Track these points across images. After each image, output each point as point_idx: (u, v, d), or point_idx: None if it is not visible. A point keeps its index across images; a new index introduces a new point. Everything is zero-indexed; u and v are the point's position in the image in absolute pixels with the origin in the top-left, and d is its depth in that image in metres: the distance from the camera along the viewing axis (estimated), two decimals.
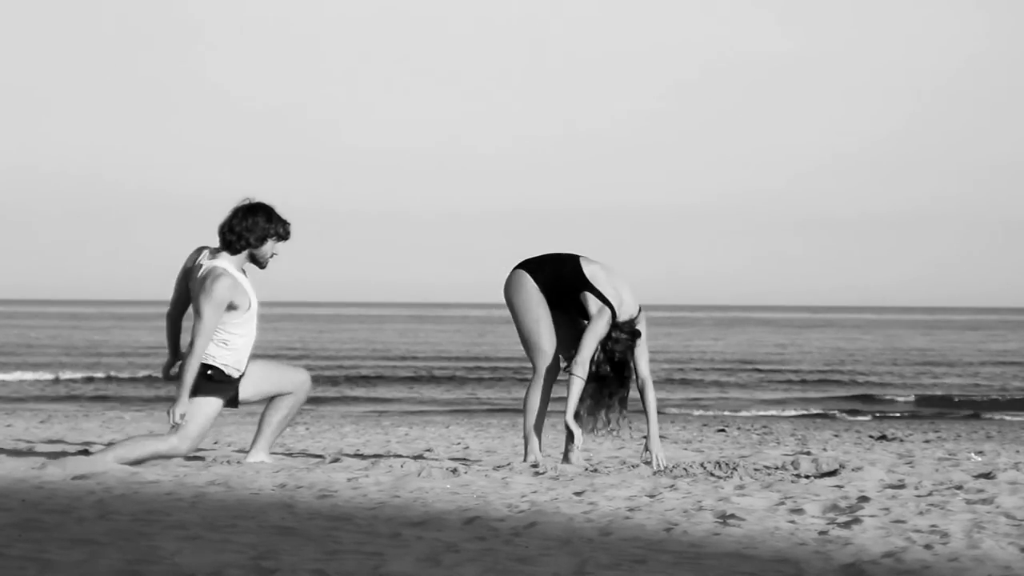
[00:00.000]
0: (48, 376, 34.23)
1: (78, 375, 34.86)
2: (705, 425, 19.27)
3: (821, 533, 6.22)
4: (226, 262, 8.55)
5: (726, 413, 25.26)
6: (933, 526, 6.42)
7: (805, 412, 25.96)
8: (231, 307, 8.52)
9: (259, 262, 8.69)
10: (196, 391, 8.55)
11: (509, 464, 9.53)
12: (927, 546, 5.92)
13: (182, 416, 8.41)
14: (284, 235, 8.69)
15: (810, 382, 34.99)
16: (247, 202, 8.63)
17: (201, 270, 8.57)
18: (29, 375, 34.32)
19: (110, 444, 8.73)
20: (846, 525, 6.43)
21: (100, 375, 34.86)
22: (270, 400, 8.88)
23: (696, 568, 5.45)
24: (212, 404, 8.60)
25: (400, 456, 10.55)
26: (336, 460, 9.67)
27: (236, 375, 8.66)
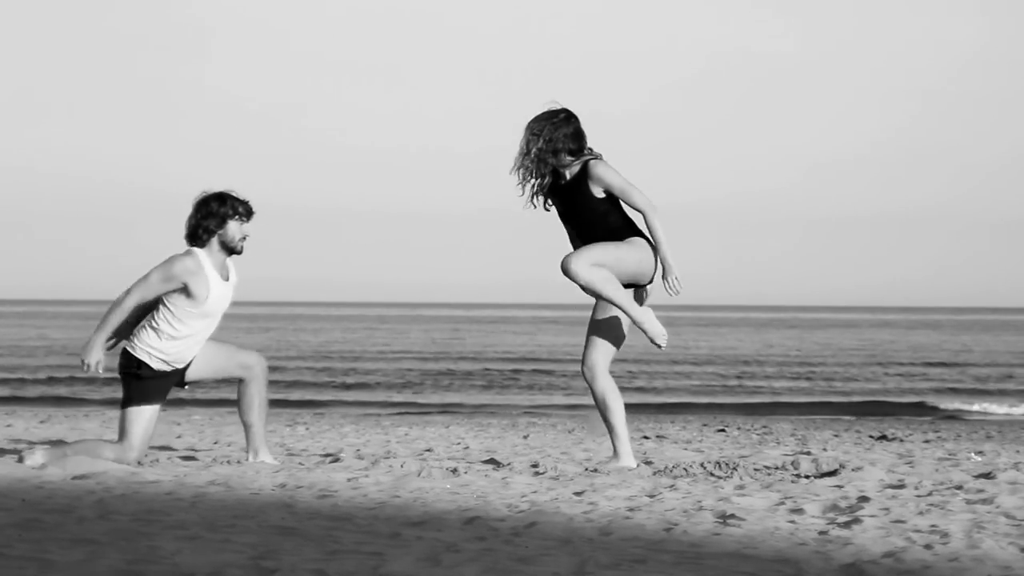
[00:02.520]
0: (48, 376, 34.24)
1: (79, 375, 34.87)
2: (705, 425, 19.26)
3: (821, 533, 6.22)
4: (201, 257, 8.59)
5: (726, 413, 25.25)
6: (933, 526, 6.42)
7: (805, 412, 25.95)
8: (186, 292, 8.51)
9: (230, 247, 8.66)
10: (130, 398, 8.60)
11: (509, 464, 9.53)
12: (927, 546, 5.92)
13: (97, 363, 8.44)
14: (244, 213, 8.65)
15: (810, 381, 34.99)
16: (201, 194, 8.67)
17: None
18: (28, 375, 34.32)
19: (58, 445, 8.75)
20: (846, 525, 6.42)
21: (98, 376, 34.85)
22: (239, 399, 8.83)
23: (696, 568, 5.45)
24: (146, 412, 8.61)
25: (400, 456, 10.55)
26: (336, 460, 9.67)
27: (172, 368, 8.64)
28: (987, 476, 8.71)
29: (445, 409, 26.04)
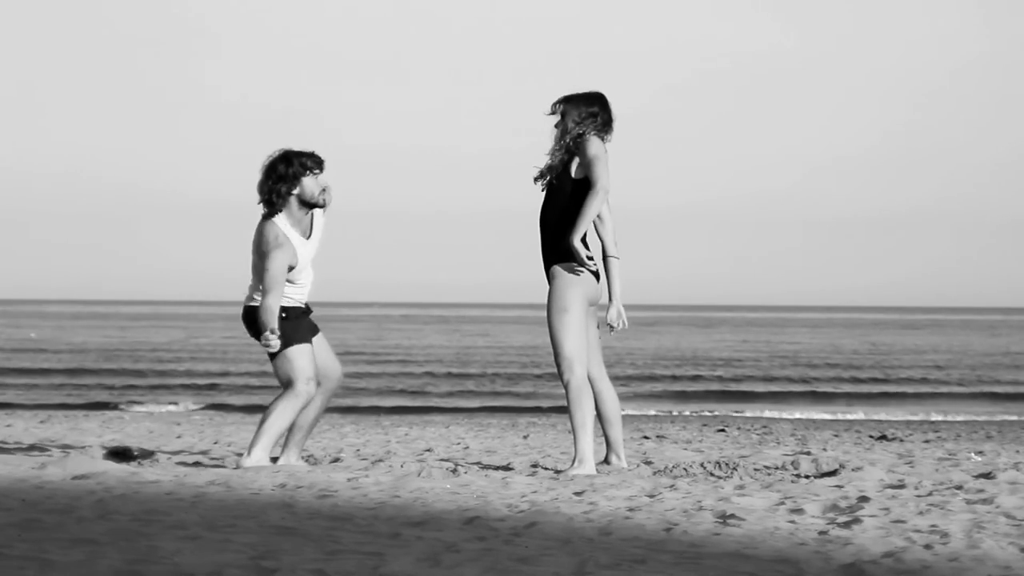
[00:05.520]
0: (49, 379, 34.25)
1: (77, 379, 34.87)
2: (705, 425, 19.28)
3: (821, 533, 6.22)
4: (280, 224, 8.59)
5: (726, 413, 25.27)
6: (933, 526, 6.42)
7: (805, 413, 25.97)
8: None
9: (313, 203, 8.64)
10: (284, 343, 8.58)
11: (509, 464, 9.54)
12: (927, 546, 5.92)
13: (274, 335, 8.47)
14: (313, 166, 8.60)
15: (808, 381, 35.00)
16: (267, 159, 8.62)
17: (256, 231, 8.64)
18: (24, 379, 34.32)
19: (251, 444, 8.69)
20: (846, 525, 6.43)
21: (94, 379, 34.87)
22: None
23: (696, 568, 5.45)
24: (304, 348, 8.67)
25: (400, 456, 10.55)
26: (336, 460, 9.68)
27: (300, 305, 8.74)
28: (987, 476, 8.71)
29: (445, 409, 26.05)
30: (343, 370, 8.98)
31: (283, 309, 8.63)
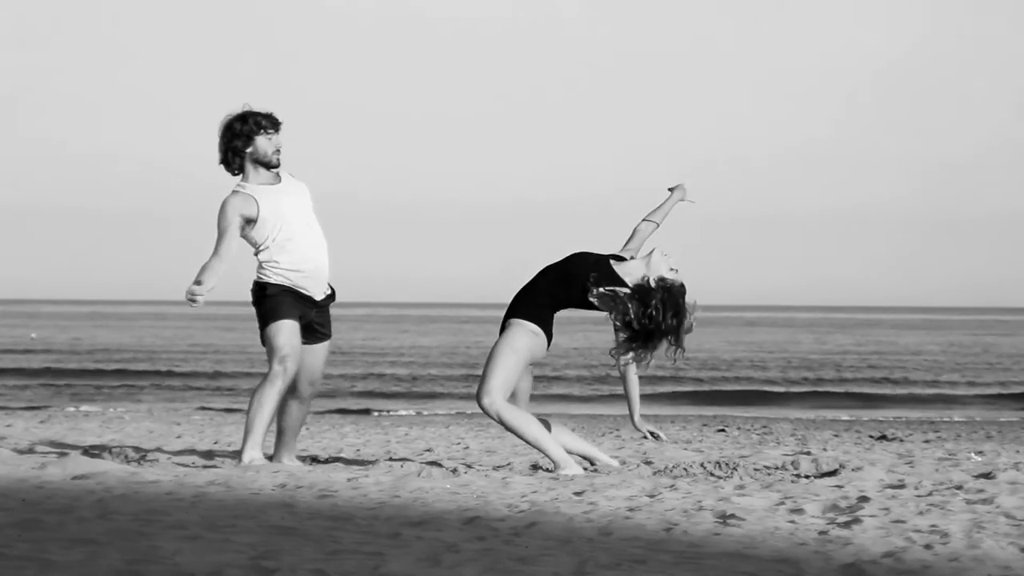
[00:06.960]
0: (49, 380, 34.27)
1: (77, 379, 34.89)
2: (705, 425, 19.26)
3: (821, 533, 6.23)
4: (248, 185, 8.55)
5: (726, 413, 25.26)
6: (933, 526, 6.42)
7: (805, 413, 25.97)
8: (248, 221, 8.47)
9: (266, 163, 8.56)
10: (265, 319, 8.50)
11: (509, 464, 9.54)
12: (927, 546, 5.92)
13: (193, 294, 8.30)
14: (268, 125, 8.54)
15: (808, 382, 34.99)
16: (224, 118, 8.58)
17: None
18: (26, 380, 34.33)
19: (243, 444, 8.59)
20: (846, 525, 6.43)
21: (93, 379, 34.88)
22: (283, 404, 8.75)
23: (696, 568, 5.45)
24: (286, 324, 8.50)
25: (400, 456, 10.55)
26: (336, 460, 9.68)
27: (296, 286, 8.56)
28: (987, 476, 8.71)
29: (445, 410, 26.05)
30: (322, 377, 8.90)
31: (266, 285, 8.53)
